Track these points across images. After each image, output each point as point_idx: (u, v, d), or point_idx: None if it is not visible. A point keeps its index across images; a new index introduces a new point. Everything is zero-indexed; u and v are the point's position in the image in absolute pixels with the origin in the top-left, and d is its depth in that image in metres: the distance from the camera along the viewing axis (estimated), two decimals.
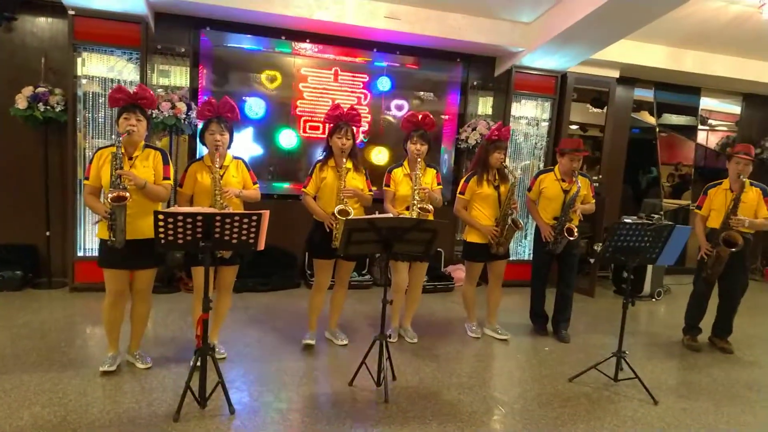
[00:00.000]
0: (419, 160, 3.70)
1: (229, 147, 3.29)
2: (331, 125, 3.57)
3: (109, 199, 2.81)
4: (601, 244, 5.42)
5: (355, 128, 3.61)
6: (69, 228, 4.68)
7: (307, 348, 3.70)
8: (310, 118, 5.54)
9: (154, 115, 4.35)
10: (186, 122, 4.64)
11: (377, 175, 4.19)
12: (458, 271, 5.70)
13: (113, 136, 4.45)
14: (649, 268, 5.64)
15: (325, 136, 3.67)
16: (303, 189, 3.62)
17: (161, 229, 2.55)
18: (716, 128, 7.49)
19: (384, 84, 5.73)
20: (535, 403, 3.14)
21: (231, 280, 3.39)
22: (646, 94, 6.88)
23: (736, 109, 7.35)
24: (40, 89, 4.42)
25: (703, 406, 3.26)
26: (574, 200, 3.99)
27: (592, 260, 5.74)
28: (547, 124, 5.98)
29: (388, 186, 3.83)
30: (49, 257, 4.85)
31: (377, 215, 2.99)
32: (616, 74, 6.18)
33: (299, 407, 2.92)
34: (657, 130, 7.06)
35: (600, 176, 6.34)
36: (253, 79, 5.40)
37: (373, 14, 4.94)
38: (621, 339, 3.44)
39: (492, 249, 3.94)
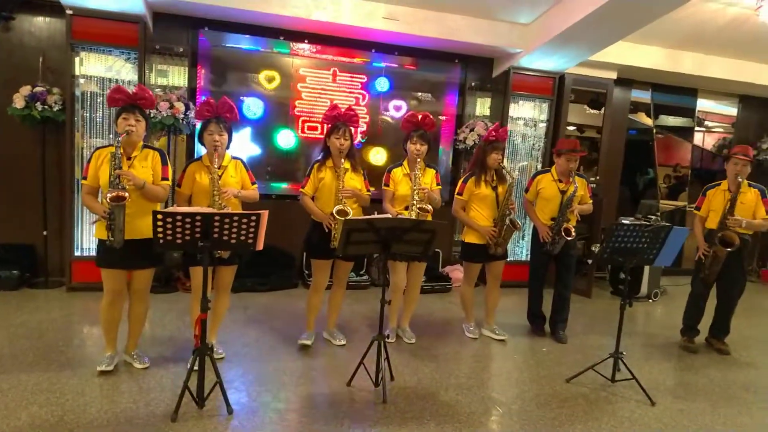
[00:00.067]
0: (419, 160, 3.71)
1: (227, 147, 3.29)
2: (329, 125, 3.58)
3: (108, 199, 2.81)
4: (598, 246, 5.46)
5: (353, 129, 3.62)
6: (66, 227, 4.68)
7: (304, 348, 3.70)
8: (308, 119, 5.55)
9: (152, 115, 4.34)
10: (184, 122, 4.64)
11: (375, 176, 4.19)
12: (456, 272, 5.70)
13: (112, 136, 4.45)
14: (646, 269, 5.66)
15: (323, 136, 3.67)
16: (301, 189, 3.61)
17: (160, 229, 2.54)
18: (713, 130, 7.52)
19: (382, 85, 5.74)
20: (533, 404, 3.14)
21: (229, 280, 3.38)
22: (644, 96, 6.91)
23: (732, 110, 7.39)
24: (38, 89, 4.41)
25: (700, 407, 3.28)
26: (572, 200, 3.99)
27: (589, 261, 5.75)
28: (544, 125, 6.00)
29: (388, 185, 3.83)
30: (46, 257, 4.83)
31: (376, 215, 2.99)
32: (613, 76, 6.20)
33: (297, 407, 2.92)
34: (654, 131, 7.09)
35: (597, 177, 6.35)
36: (251, 79, 5.40)
37: (371, 15, 4.94)
38: (618, 340, 3.45)
39: (490, 250, 3.95)
